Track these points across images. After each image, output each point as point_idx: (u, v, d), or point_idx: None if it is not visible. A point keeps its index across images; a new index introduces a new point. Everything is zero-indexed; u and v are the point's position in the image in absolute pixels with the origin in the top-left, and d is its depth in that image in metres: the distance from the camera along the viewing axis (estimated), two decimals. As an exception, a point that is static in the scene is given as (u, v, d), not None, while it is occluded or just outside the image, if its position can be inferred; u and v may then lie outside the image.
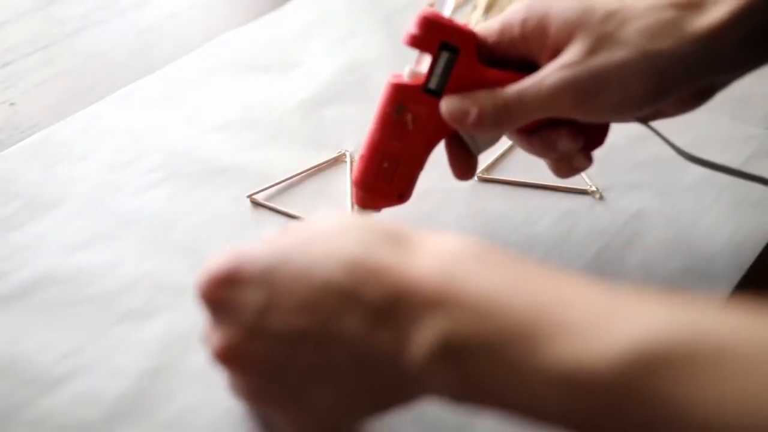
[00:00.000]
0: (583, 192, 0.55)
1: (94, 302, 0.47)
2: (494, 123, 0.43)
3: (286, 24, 0.73)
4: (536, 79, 0.42)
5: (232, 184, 0.56)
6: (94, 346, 0.44)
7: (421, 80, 0.45)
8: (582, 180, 0.56)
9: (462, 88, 0.44)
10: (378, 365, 0.33)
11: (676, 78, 0.41)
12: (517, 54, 0.45)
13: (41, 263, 0.49)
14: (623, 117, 0.45)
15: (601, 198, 0.55)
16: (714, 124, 0.61)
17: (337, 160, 0.58)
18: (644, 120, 0.47)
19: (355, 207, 0.49)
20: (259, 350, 0.35)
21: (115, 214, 0.53)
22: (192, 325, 0.44)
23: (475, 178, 0.56)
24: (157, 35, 0.73)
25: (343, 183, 0.56)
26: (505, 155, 0.58)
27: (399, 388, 0.34)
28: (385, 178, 0.47)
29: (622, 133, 0.57)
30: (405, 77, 0.46)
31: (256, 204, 0.54)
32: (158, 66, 0.67)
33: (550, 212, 0.54)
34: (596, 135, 0.47)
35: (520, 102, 0.42)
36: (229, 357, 0.36)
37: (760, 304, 0.27)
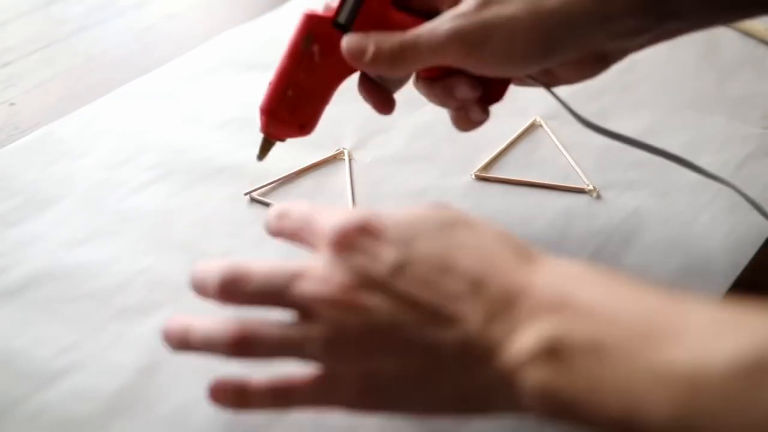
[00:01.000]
0: (580, 191, 0.55)
1: (91, 298, 0.47)
2: (389, 64, 0.44)
3: (286, 23, 0.73)
4: (431, 26, 0.44)
5: (231, 181, 0.56)
6: (91, 342, 0.44)
7: (332, 13, 0.46)
8: (579, 179, 0.56)
9: (371, 27, 0.45)
10: (480, 354, 0.33)
11: (563, 38, 0.43)
12: (427, 1, 0.46)
13: (39, 259, 0.49)
14: (510, 71, 0.46)
15: (598, 197, 0.55)
16: (711, 123, 0.61)
17: (335, 158, 0.58)
18: (547, 85, 0.48)
19: (261, 136, 0.49)
20: (374, 302, 0.35)
21: (113, 212, 0.53)
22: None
23: (472, 176, 0.56)
24: (156, 35, 0.73)
25: (341, 180, 0.56)
26: (502, 154, 0.59)
27: (488, 387, 0.34)
28: (288, 107, 0.48)
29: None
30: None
31: (254, 201, 0.55)
32: (158, 66, 0.67)
33: (546, 211, 0.54)
34: (495, 89, 0.47)
35: (414, 47, 0.44)
36: (343, 298, 0.35)
37: (757, 304, 0.30)
